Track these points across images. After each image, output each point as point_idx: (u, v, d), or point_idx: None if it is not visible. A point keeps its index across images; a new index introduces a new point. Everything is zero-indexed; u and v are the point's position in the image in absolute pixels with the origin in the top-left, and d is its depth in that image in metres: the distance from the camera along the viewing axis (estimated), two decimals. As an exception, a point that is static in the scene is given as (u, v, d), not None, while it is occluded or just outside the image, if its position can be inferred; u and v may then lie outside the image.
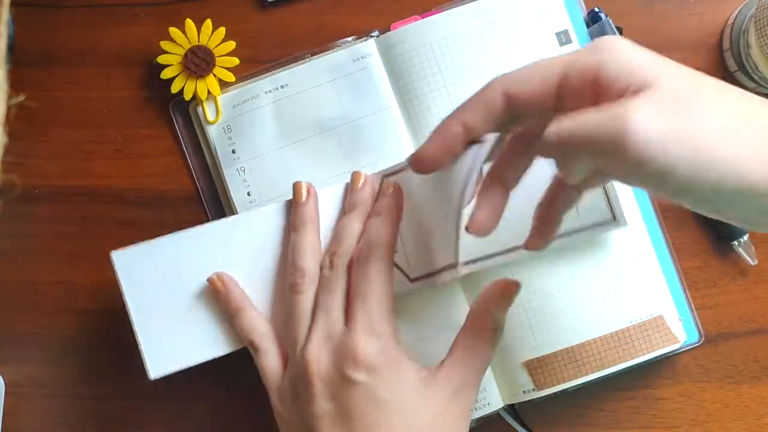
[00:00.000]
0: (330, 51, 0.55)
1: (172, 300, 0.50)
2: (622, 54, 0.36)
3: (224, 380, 0.56)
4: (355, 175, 0.50)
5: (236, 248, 0.50)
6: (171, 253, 0.50)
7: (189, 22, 0.55)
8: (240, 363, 0.56)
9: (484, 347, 0.45)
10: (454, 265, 0.46)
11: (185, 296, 0.50)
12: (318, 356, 0.45)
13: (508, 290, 0.46)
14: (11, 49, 0.56)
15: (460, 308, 0.53)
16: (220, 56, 0.55)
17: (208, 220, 0.55)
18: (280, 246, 0.50)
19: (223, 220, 0.50)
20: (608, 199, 0.50)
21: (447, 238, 0.45)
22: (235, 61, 0.55)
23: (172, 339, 0.50)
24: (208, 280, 0.49)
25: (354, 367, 0.44)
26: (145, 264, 0.49)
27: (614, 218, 0.50)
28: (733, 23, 0.55)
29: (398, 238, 0.50)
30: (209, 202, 0.56)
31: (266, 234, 0.50)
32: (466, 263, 0.50)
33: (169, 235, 0.50)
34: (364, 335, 0.44)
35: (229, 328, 0.50)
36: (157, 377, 0.49)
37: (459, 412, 0.45)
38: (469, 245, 0.49)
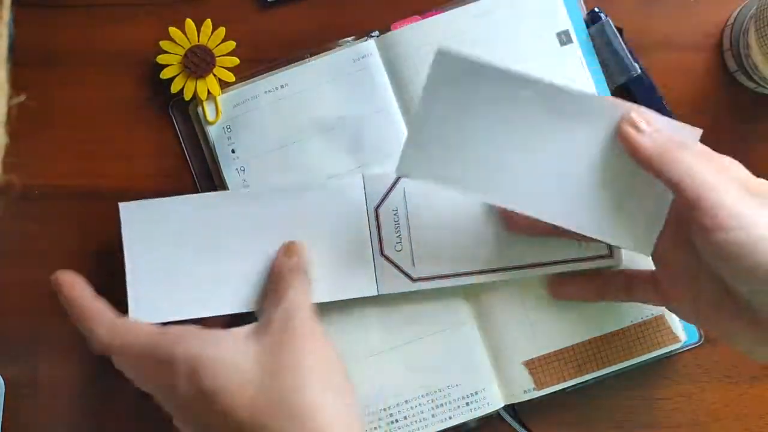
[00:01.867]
0: (330, 51, 0.55)
1: (169, 258, 0.51)
2: None
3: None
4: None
5: (244, 219, 0.51)
6: (176, 214, 0.51)
7: (189, 22, 0.55)
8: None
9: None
10: (469, 273, 0.50)
11: (184, 257, 0.51)
12: None
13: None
14: (11, 49, 0.56)
15: (459, 309, 0.53)
16: (220, 56, 0.55)
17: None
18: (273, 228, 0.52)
19: (237, 192, 0.53)
20: None
21: (466, 243, 0.48)
22: (235, 61, 0.55)
23: (162, 294, 0.50)
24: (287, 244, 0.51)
25: None
26: (150, 219, 0.51)
27: (610, 255, 0.51)
28: (733, 23, 0.55)
29: (405, 237, 0.51)
30: (209, 202, 0.56)
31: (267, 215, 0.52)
32: (482, 272, 0.51)
33: (177, 197, 0.51)
34: None
35: (223, 293, 0.51)
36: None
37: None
38: (486, 255, 0.51)
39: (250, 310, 0.50)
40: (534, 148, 0.45)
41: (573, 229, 0.46)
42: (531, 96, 0.44)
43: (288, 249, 0.50)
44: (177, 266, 0.51)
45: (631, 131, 0.44)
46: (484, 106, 0.45)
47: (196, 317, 0.50)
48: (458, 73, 0.45)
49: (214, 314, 0.50)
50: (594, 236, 0.46)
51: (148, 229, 0.51)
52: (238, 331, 0.46)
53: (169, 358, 0.44)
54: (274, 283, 0.49)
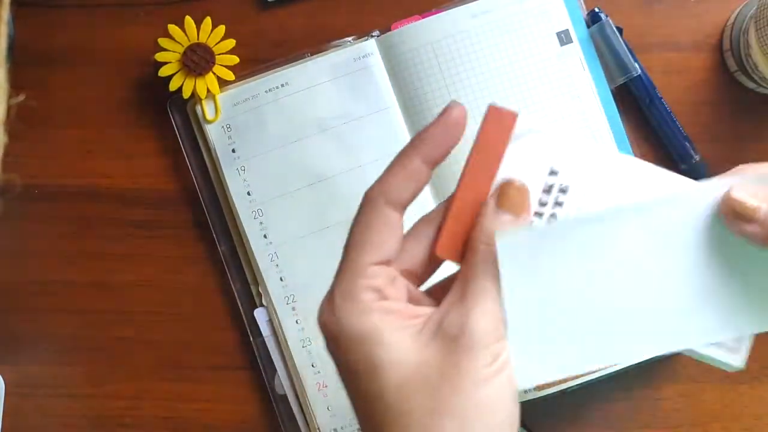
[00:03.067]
0: (330, 50, 0.55)
1: (554, 299, 0.36)
2: None
3: (227, 380, 0.57)
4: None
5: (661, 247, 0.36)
6: (566, 242, 0.36)
7: (188, 20, 0.55)
8: (246, 363, 0.56)
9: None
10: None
11: (571, 296, 0.36)
12: None
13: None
14: (11, 49, 0.56)
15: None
16: (219, 54, 0.55)
17: (207, 220, 0.56)
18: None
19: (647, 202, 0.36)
20: None
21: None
22: (235, 59, 0.55)
23: (551, 345, 0.36)
24: None
25: None
26: (533, 253, 0.36)
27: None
28: (733, 23, 0.55)
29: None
30: (208, 201, 0.56)
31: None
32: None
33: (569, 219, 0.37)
34: None
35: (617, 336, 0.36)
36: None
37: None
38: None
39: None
40: (641, 279, 0.36)
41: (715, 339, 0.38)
42: (629, 228, 0.36)
43: (505, 194, 0.35)
44: (566, 308, 0.36)
45: (744, 227, 0.34)
46: (575, 264, 0.36)
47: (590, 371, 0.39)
48: (530, 251, 0.35)
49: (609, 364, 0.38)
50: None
51: (532, 264, 0.36)
52: (415, 323, 0.34)
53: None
54: (472, 254, 0.35)
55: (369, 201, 0.35)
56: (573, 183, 0.37)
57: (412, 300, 0.36)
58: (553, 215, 0.37)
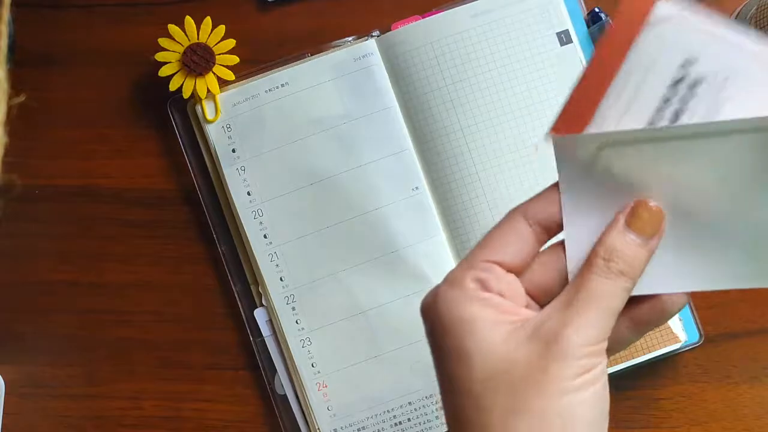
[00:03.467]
0: (330, 50, 0.55)
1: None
2: None
3: (227, 380, 0.57)
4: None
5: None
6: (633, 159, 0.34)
7: (188, 20, 0.55)
8: (246, 363, 0.56)
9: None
10: None
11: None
12: None
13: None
14: (11, 49, 0.56)
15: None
16: (219, 54, 0.55)
17: (207, 220, 0.56)
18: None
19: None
20: None
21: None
22: (235, 59, 0.55)
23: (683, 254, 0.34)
24: None
25: None
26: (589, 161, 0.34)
27: None
28: (733, 23, 0.55)
29: None
30: (208, 201, 0.56)
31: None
32: None
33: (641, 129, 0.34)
34: None
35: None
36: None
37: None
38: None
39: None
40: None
41: None
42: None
43: (638, 215, 0.34)
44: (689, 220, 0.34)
45: None
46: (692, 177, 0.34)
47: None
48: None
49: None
50: None
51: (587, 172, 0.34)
52: (516, 325, 0.34)
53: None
54: (588, 267, 0.34)
55: (507, 213, 0.36)
56: (710, 75, 0.34)
57: (521, 304, 0.35)
58: (677, 112, 0.34)
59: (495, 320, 0.33)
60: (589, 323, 0.33)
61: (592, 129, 0.35)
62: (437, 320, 0.34)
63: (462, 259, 0.35)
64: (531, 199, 0.36)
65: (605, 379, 0.34)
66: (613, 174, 0.34)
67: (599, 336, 0.33)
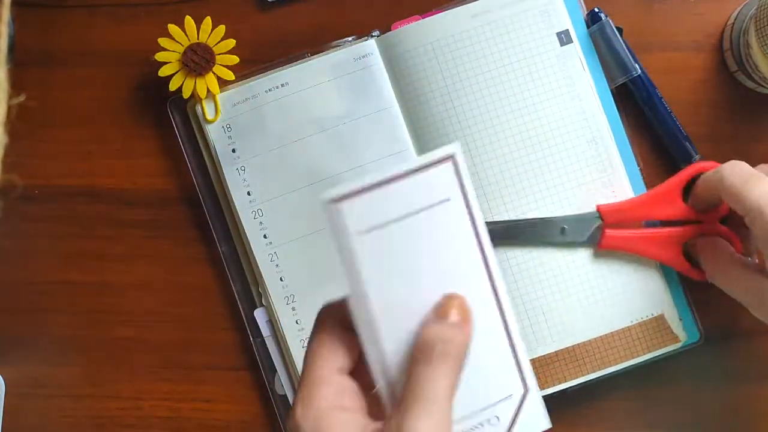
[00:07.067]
0: (330, 50, 0.55)
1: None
2: None
3: (227, 380, 0.57)
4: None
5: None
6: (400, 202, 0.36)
7: (188, 19, 0.55)
8: (246, 363, 0.56)
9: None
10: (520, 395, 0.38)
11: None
12: None
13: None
14: (11, 49, 0.56)
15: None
16: (219, 54, 0.55)
17: (207, 220, 0.56)
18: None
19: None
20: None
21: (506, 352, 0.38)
22: (235, 59, 0.55)
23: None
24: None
25: None
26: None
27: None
28: (733, 23, 0.55)
29: None
30: (208, 201, 0.56)
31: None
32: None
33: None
34: None
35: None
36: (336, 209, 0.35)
37: None
38: None
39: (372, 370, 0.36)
40: None
41: None
42: None
43: (448, 306, 0.35)
44: (400, 231, 0.36)
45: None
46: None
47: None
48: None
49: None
50: None
51: (435, 192, 0.36)
52: None
53: None
54: (413, 364, 0.34)
55: (318, 321, 0.37)
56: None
57: (368, 410, 0.35)
58: None
59: None
60: (424, 416, 0.32)
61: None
62: None
63: (303, 373, 0.36)
64: (330, 306, 0.36)
65: None
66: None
67: (438, 427, 0.33)
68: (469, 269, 0.37)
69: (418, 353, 0.34)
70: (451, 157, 0.36)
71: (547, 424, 0.38)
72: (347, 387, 0.35)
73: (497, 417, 0.37)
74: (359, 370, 0.36)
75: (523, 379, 0.38)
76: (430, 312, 0.35)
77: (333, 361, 0.35)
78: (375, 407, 0.36)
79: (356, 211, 0.35)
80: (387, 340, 0.35)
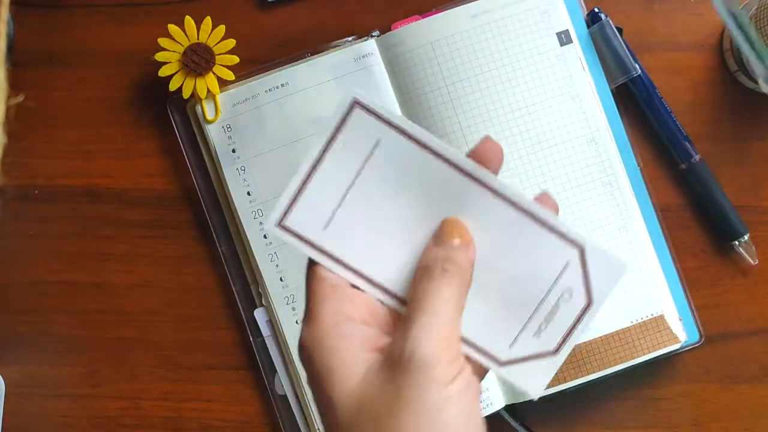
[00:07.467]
0: (330, 50, 0.55)
1: (356, 186, 0.36)
2: None
3: (227, 380, 0.57)
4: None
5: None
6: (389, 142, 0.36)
7: (188, 20, 0.55)
8: (246, 363, 0.56)
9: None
10: (552, 353, 0.36)
11: (366, 191, 0.36)
12: None
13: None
14: (11, 49, 0.56)
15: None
16: (219, 54, 0.55)
17: (207, 220, 0.56)
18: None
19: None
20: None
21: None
22: (235, 59, 0.55)
23: (325, 215, 0.36)
24: None
25: None
26: (371, 133, 0.36)
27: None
28: (733, 23, 0.55)
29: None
30: (208, 201, 0.56)
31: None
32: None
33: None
34: None
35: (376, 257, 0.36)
36: (287, 228, 0.36)
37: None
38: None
39: (386, 303, 0.36)
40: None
41: None
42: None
43: (445, 231, 0.35)
44: (356, 198, 0.36)
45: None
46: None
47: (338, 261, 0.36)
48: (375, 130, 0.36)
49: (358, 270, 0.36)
50: None
51: (363, 144, 0.36)
52: (368, 358, 0.33)
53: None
54: (415, 282, 0.34)
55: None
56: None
57: (391, 325, 0.35)
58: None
59: (352, 360, 0.32)
60: (428, 328, 0.32)
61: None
62: (308, 365, 0.33)
63: (308, 286, 0.35)
64: None
65: (474, 390, 0.32)
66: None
67: (445, 340, 0.32)
68: (451, 185, 0.35)
69: (420, 272, 0.34)
70: (355, 104, 0.36)
71: (626, 264, 0.35)
72: (356, 298, 0.34)
73: (569, 289, 0.35)
74: None
75: (572, 241, 0.35)
76: (432, 236, 0.35)
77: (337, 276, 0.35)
78: (392, 320, 0.35)
79: (302, 217, 0.35)
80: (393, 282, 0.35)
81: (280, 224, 0.36)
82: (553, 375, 0.36)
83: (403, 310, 0.34)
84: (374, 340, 0.33)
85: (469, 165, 0.35)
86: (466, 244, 0.34)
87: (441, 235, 0.35)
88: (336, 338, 0.33)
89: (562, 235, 0.35)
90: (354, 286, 0.35)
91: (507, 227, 0.35)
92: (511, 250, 0.35)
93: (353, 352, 0.33)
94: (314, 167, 0.35)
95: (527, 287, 0.35)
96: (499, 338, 0.35)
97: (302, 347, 0.34)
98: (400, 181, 0.35)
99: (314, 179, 0.35)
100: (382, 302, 0.35)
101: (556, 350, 0.36)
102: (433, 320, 0.32)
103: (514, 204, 0.35)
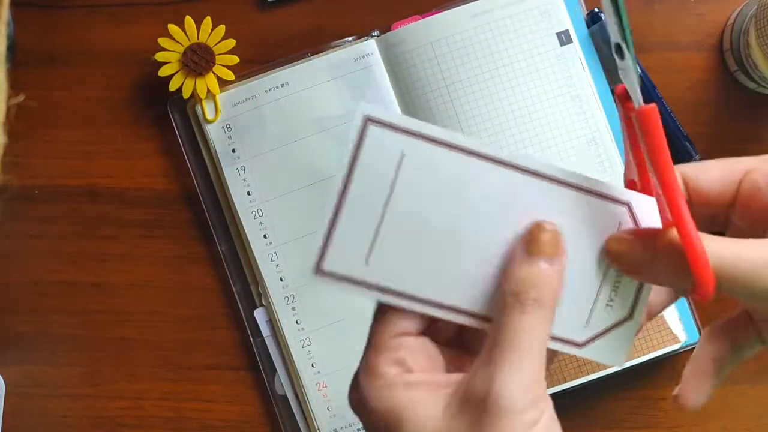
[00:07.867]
0: (330, 50, 0.55)
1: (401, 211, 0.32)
2: None
3: (227, 380, 0.57)
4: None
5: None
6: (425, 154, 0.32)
7: (188, 20, 0.55)
8: (246, 363, 0.56)
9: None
10: (628, 318, 0.35)
11: (416, 213, 0.32)
12: None
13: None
14: (11, 49, 0.56)
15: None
16: (219, 54, 0.55)
17: (207, 220, 0.56)
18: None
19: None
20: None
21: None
22: (235, 59, 0.55)
23: (373, 249, 0.32)
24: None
25: None
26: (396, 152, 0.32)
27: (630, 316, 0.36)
28: (733, 23, 0.55)
29: None
30: (208, 201, 0.56)
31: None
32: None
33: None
34: None
35: (444, 281, 0.33)
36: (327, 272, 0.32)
37: None
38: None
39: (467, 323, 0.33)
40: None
41: None
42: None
43: (536, 239, 0.31)
44: (394, 221, 0.32)
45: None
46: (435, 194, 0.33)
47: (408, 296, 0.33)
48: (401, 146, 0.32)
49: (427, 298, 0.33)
50: None
51: (387, 162, 0.32)
52: (436, 397, 0.31)
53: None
54: (501, 310, 0.31)
55: None
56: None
57: (447, 367, 0.33)
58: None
59: (425, 400, 0.31)
60: (517, 368, 0.30)
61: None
62: (370, 416, 0.32)
63: (368, 340, 0.33)
64: None
65: (556, 428, 0.31)
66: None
67: (533, 380, 0.30)
68: (494, 180, 0.32)
69: (510, 299, 0.31)
70: (368, 121, 0.32)
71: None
72: (416, 348, 0.32)
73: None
74: (434, 328, 0.33)
75: (617, 199, 0.33)
76: (518, 246, 0.32)
77: (397, 325, 0.32)
78: (454, 361, 0.33)
79: (340, 257, 0.32)
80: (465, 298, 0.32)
81: (319, 270, 0.32)
82: (634, 340, 0.35)
83: (486, 332, 0.32)
84: (438, 382, 0.32)
85: (504, 154, 0.32)
86: (558, 255, 0.31)
87: (532, 241, 0.31)
88: (403, 389, 0.31)
89: (609, 197, 0.33)
90: (425, 316, 0.33)
91: (564, 209, 0.33)
92: (575, 232, 0.33)
93: (424, 401, 0.31)
94: (340, 201, 0.32)
95: (589, 263, 0.33)
96: (573, 322, 0.33)
97: (362, 404, 0.32)
98: (437, 190, 0.32)
99: (344, 213, 0.32)
100: (465, 324, 0.33)
101: (631, 314, 0.34)
102: (523, 359, 0.30)
103: (561, 182, 0.32)
